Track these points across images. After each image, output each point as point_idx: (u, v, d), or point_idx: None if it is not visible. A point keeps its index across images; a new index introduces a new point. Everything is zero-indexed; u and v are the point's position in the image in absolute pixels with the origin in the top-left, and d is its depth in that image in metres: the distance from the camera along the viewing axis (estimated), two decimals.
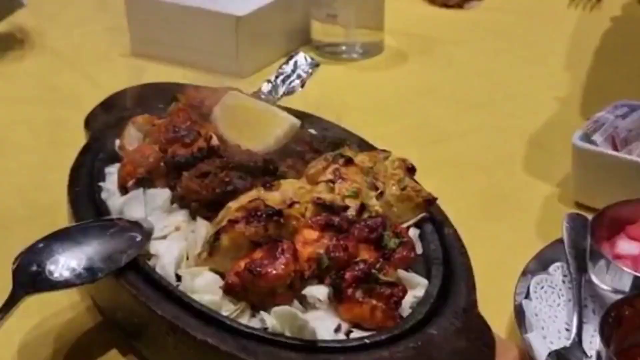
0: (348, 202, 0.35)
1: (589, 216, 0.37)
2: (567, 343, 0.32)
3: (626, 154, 0.45)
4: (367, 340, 0.29)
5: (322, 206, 0.34)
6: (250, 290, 0.31)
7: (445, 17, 0.83)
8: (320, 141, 0.43)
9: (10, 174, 0.53)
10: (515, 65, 0.68)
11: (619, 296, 0.33)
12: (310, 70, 0.54)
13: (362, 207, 0.34)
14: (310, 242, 0.32)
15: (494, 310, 0.34)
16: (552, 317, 0.34)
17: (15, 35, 0.77)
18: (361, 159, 0.39)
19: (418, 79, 0.67)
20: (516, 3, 0.83)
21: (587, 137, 0.43)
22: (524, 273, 0.36)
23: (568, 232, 0.37)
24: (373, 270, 0.31)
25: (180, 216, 0.37)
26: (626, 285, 0.33)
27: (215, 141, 0.40)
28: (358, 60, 0.70)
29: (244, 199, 0.34)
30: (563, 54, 0.69)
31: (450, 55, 0.71)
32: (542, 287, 0.36)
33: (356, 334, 0.31)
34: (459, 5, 0.82)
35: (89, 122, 0.48)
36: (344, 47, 0.69)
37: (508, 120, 0.57)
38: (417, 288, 0.33)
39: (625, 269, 0.33)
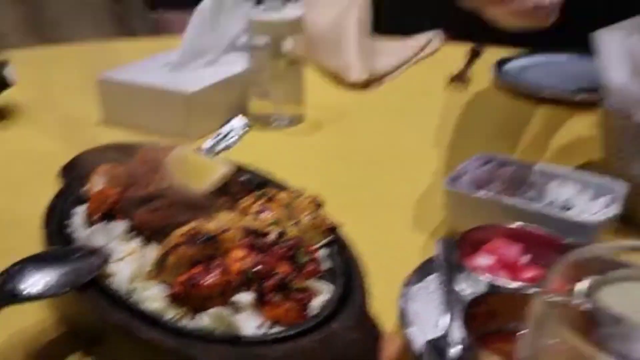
0: (270, 229, 0.40)
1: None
2: (439, 334, 0.37)
3: (483, 194, 0.52)
4: (281, 334, 0.35)
5: (248, 232, 0.39)
6: (190, 298, 0.36)
7: (353, 95, 0.93)
8: (249, 183, 0.49)
9: None
10: (406, 133, 0.79)
11: None
12: (243, 131, 0.62)
13: (282, 233, 0.40)
14: (239, 259, 0.37)
15: (384, 311, 0.39)
16: (428, 316, 0.38)
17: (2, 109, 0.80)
18: (281, 196, 0.45)
19: (331, 144, 0.77)
20: (407, 86, 0.96)
21: (454, 182, 0.52)
22: (406, 283, 0.41)
23: (440, 251, 0.41)
24: (287, 280, 0.36)
25: (134, 243, 0.41)
26: (482, 289, 0.38)
27: (164, 184, 0.44)
28: (284, 128, 0.77)
29: (186, 228, 0.38)
30: (441, 124, 0.79)
31: (356, 125, 0.83)
32: (421, 293, 0.40)
33: (274, 330, 0.35)
34: (364, 87, 0.91)
35: (61, 173, 0.51)
36: (273, 118, 0.76)
37: (399, 174, 0.67)
38: (323, 294, 0.38)
39: (480, 277, 0.38)
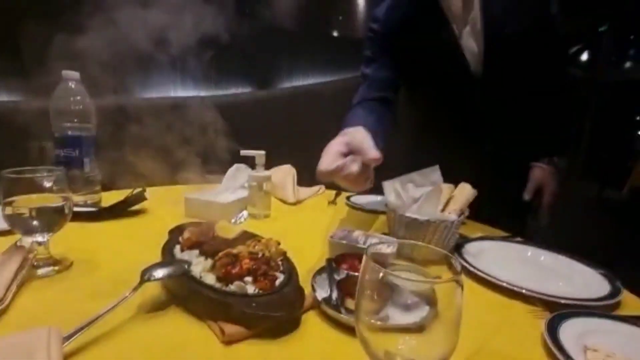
0: (259, 251, 0.50)
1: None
2: (327, 295, 0.46)
3: (344, 241, 0.56)
4: (265, 293, 0.44)
5: (250, 253, 0.49)
6: (226, 278, 0.46)
7: (290, 207, 1.00)
8: (251, 236, 0.57)
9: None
10: (309, 223, 0.87)
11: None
12: (245, 218, 0.77)
13: (264, 254, 0.49)
14: (246, 263, 0.47)
15: (305, 286, 0.47)
16: (323, 287, 0.48)
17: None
18: (263, 240, 0.54)
19: (281, 224, 0.85)
20: (312, 203, 1.04)
21: (333, 238, 0.58)
22: (314, 274, 0.51)
23: (329, 262, 0.50)
24: (266, 272, 0.47)
25: (201, 258, 0.51)
26: (343, 275, 0.46)
27: (214, 235, 0.55)
28: (261, 219, 0.86)
29: (223, 252, 0.48)
30: (327, 219, 0.87)
31: (291, 218, 0.90)
32: (321, 278, 0.51)
33: (261, 292, 0.44)
34: (294, 204, 1.00)
35: (169, 232, 0.60)
36: (257, 214, 0.86)
37: (312, 235, 0.73)
38: (280, 278, 0.48)
39: (343, 271, 0.47)
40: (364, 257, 0.29)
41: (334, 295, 0.47)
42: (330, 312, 0.45)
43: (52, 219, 0.52)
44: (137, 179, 1.11)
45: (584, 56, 8.42)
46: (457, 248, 0.67)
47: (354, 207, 0.98)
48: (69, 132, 0.80)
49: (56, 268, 0.55)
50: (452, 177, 0.70)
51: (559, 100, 0.92)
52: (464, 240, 0.72)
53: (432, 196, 0.66)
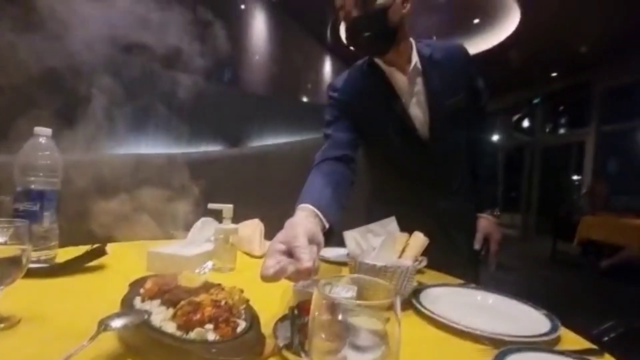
0: (222, 299, 0.49)
1: None
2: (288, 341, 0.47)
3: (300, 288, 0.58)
4: (225, 339, 0.45)
5: (213, 300, 0.48)
6: (186, 326, 0.46)
7: (255, 260, 1.00)
8: (215, 285, 0.56)
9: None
10: None
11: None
12: (210, 269, 0.78)
13: (227, 302, 0.49)
14: (208, 311, 0.47)
15: (267, 332, 0.49)
16: (287, 337, 0.48)
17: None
18: (227, 288, 0.54)
19: (244, 276, 0.83)
20: None
21: (296, 286, 0.59)
22: (276, 322, 0.52)
23: (291, 310, 0.50)
24: (228, 319, 0.47)
25: (162, 307, 0.50)
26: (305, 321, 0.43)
27: (177, 285, 0.54)
28: (227, 272, 0.86)
29: (186, 300, 0.48)
30: None
31: (254, 270, 0.83)
32: (283, 326, 0.51)
33: (222, 339, 0.45)
34: (260, 257, 1.01)
35: (130, 285, 0.58)
36: (223, 267, 0.87)
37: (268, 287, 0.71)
38: (242, 325, 0.48)
39: (304, 316, 0.46)
40: (315, 294, 0.32)
41: (296, 340, 0.49)
42: (291, 356, 0.46)
43: (6, 270, 0.51)
44: (99, 234, 1.09)
45: (525, 123, 9.53)
46: (415, 294, 0.71)
47: (320, 259, 0.99)
48: (32, 186, 0.80)
49: (1, 325, 0.52)
50: (409, 229, 0.75)
51: (487, 157, 1.06)
52: (422, 286, 0.75)
53: (388, 244, 0.71)
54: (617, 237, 4.22)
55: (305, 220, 0.59)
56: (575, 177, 7.59)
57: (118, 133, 2.07)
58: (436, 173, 0.98)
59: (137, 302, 0.53)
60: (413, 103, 0.95)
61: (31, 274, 0.66)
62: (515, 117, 9.20)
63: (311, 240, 0.53)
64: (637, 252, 3.91)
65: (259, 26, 5.75)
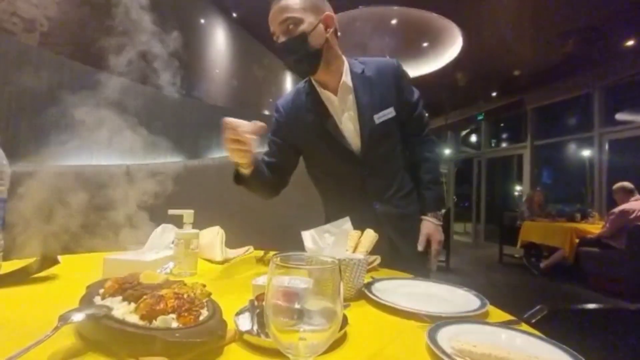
0: (184, 293, 0.52)
1: None
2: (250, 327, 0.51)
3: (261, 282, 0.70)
4: (188, 326, 0.47)
5: (176, 293, 0.51)
6: (149, 316, 0.47)
7: (216, 266, 1.02)
8: (177, 282, 0.58)
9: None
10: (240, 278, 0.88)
11: None
12: (170, 270, 0.79)
13: (189, 295, 0.51)
14: (171, 302, 0.49)
15: (228, 320, 0.51)
16: (247, 324, 0.53)
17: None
18: (190, 283, 0.57)
19: (205, 279, 0.83)
20: (241, 262, 1.09)
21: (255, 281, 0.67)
22: (236, 313, 0.56)
23: (251, 301, 0.59)
24: (190, 308, 0.49)
25: (124, 303, 0.51)
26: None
27: (138, 282, 0.56)
28: (187, 276, 0.86)
29: (149, 295, 0.50)
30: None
31: (218, 275, 0.92)
32: (244, 317, 0.55)
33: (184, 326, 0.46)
34: (221, 263, 1.03)
35: (88, 287, 0.58)
36: (184, 272, 0.86)
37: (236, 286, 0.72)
38: (204, 314, 0.50)
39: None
40: (270, 264, 0.38)
41: (255, 327, 0.53)
42: (252, 338, 0.50)
43: None
44: (49, 246, 1.05)
45: (473, 138, 10.29)
46: (367, 286, 0.78)
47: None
48: None
49: None
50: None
51: (428, 163, 1.16)
52: (374, 280, 0.83)
53: (341, 240, 0.78)
54: (552, 239, 4.66)
55: None
56: (517, 187, 8.28)
57: (71, 143, 1.98)
58: (371, 181, 1.04)
59: (97, 300, 0.53)
60: (345, 118, 1.02)
61: None
62: (463, 133, 9.91)
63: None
64: (568, 252, 4.34)
65: (219, 40, 5.77)
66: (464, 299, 0.73)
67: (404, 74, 1.06)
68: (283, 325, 0.34)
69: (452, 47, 5.65)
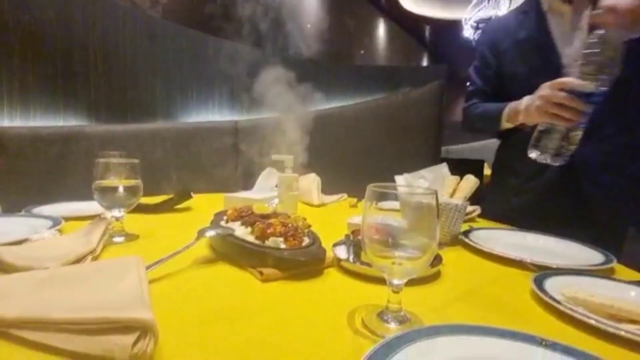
0: (289, 222, 0.58)
1: None
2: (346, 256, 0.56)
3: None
4: (293, 248, 0.53)
5: (282, 222, 0.58)
6: (262, 237, 0.55)
7: (312, 208, 1.13)
8: (280, 213, 0.67)
9: None
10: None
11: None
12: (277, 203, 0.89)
13: (293, 224, 0.58)
14: (278, 227, 0.56)
15: (328, 247, 0.56)
16: (344, 254, 0.57)
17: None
18: (293, 216, 0.64)
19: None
20: (333, 207, 1.15)
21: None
22: (334, 245, 0.60)
23: (347, 237, 0.63)
24: (295, 233, 0.56)
25: (243, 226, 0.61)
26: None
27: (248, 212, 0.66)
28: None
29: (262, 223, 0.59)
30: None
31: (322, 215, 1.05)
32: (340, 248, 0.59)
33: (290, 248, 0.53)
34: (318, 206, 1.13)
35: (215, 215, 0.70)
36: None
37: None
38: (307, 240, 0.57)
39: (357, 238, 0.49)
40: (367, 193, 0.38)
41: (351, 256, 0.57)
42: (348, 264, 0.54)
43: (129, 195, 0.66)
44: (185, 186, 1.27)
45: None
46: (465, 233, 0.74)
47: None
48: None
49: (127, 238, 0.68)
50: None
51: None
52: (472, 228, 0.80)
53: (436, 185, 0.74)
54: None
55: None
56: None
57: (189, 103, 2.28)
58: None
59: (222, 223, 0.65)
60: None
61: (139, 209, 0.82)
62: None
63: None
64: None
65: None
66: (582, 254, 0.64)
67: None
68: (378, 251, 0.35)
69: None
